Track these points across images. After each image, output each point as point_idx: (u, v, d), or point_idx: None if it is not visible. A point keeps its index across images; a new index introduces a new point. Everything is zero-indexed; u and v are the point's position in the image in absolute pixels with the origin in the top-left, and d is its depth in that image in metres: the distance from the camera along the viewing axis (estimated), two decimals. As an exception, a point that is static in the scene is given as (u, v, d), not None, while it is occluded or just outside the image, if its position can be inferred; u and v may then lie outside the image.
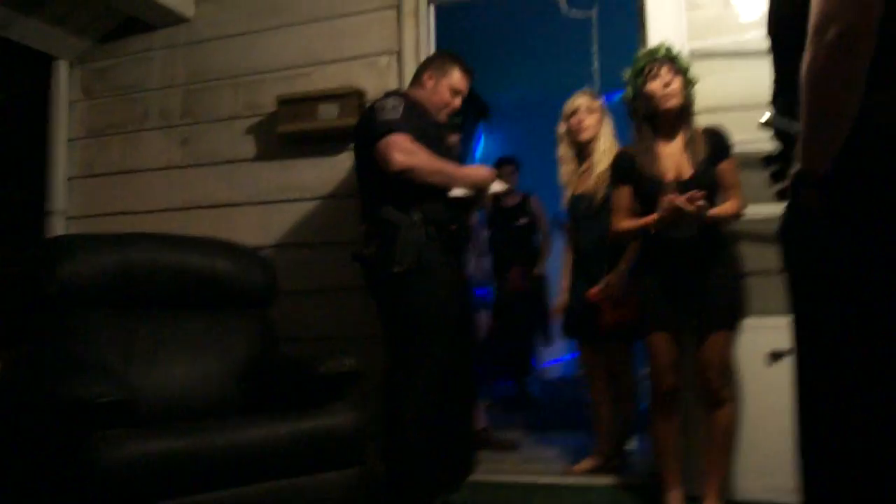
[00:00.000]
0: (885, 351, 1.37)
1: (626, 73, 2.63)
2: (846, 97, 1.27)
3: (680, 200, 2.32)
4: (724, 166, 2.49)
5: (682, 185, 2.43)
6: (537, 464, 3.37)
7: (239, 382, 2.63)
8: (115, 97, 3.74)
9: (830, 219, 1.36)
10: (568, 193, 3.22)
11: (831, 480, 1.45)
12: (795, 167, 1.37)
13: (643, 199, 2.52)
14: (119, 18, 3.65)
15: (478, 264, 4.33)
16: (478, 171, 2.68)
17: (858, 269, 1.37)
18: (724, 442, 2.47)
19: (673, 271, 2.47)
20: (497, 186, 2.72)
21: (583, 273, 3.15)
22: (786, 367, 2.56)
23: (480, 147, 7.45)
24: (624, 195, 2.58)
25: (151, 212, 3.54)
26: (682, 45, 2.82)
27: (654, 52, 2.57)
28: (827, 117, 1.29)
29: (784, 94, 1.51)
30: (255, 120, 3.48)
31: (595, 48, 3.32)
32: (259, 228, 3.38)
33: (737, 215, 2.48)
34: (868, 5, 1.23)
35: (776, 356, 2.54)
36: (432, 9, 3.31)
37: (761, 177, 1.58)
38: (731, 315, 2.47)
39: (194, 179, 3.55)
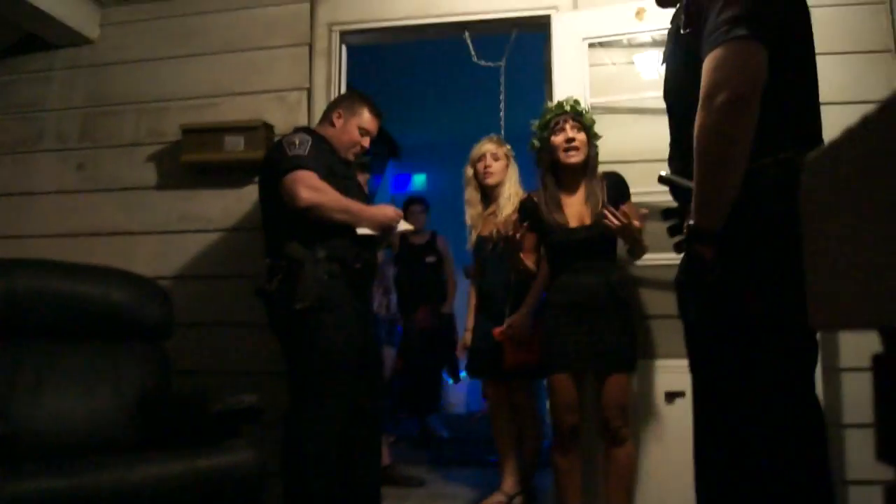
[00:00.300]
0: (773, 390, 1.47)
1: (534, 125, 2.74)
2: (734, 157, 1.37)
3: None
4: (624, 209, 2.61)
5: (585, 231, 2.55)
6: (443, 500, 3.37)
7: (131, 418, 2.52)
8: (9, 115, 3.56)
9: (722, 271, 1.45)
10: (474, 235, 3.29)
11: None
12: (689, 222, 1.46)
13: (548, 245, 2.63)
14: (19, 34, 3.50)
15: (384, 301, 4.33)
16: (384, 210, 2.69)
17: (747, 317, 1.46)
18: (623, 479, 2.55)
19: (574, 314, 2.55)
20: (402, 226, 2.75)
21: (487, 313, 3.21)
22: (684, 407, 2.72)
23: (390, 186, 7.49)
24: (528, 239, 2.66)
25: (43, 237, 3.37)
26: (584, 100, 2.96)
27: (561, 106, 2.68)
28: (717, 175, 1.39)
29: (679, 155, 1.62)
30: (158, 148, 3.39)
31: (502, 96, 3.43)
32: (158, 259, 3.28)
33: (643, 249, 2.56)
34: (753, 75, 1.35)
35: (671, 396, 2.67)
36: (344, 48, 3.34)
37: (660, 226, 1.67)
38: (628, 357, 2.56)
39: (90, 206, 3.41)
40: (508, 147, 3.31)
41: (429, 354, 4.91)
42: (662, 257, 2.73)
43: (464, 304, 3.71)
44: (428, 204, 4.99)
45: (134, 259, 3.18)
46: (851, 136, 0.49)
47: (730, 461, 1.50)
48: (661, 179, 1.62)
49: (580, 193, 2.65)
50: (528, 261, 2.66)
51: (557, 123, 2.63)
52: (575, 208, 2.63)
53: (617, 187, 2.65)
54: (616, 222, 2.37)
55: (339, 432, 2.48)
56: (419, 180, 7.64)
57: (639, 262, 2.73)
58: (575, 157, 2.60)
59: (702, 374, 1.59)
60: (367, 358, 2.70)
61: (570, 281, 2.56)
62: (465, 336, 3.43)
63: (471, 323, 3.37)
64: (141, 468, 2.05)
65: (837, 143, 0.52)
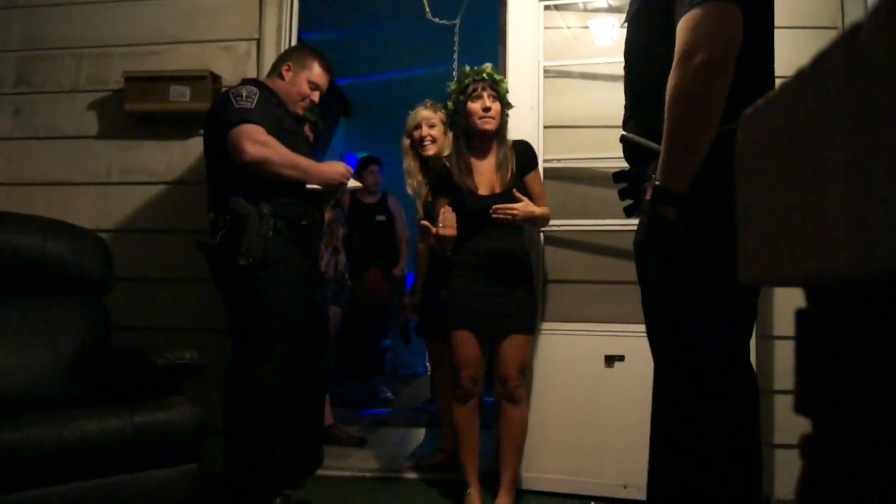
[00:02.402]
0: (720, 353, 1.50)
1: (450, 87, 2.76)
2: (706, 119, 1.38)
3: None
4: (532, 176, 2.72)
5: (494, 199, 2.61)
6: (384, 459, 3.39)
7: (68, 374, 2.46)
8: (-63, 56, 3.38)
9: (685, 232, 1.46)
10: (419, 204, 3.26)
11: (667, 473, 1.57)
12: (653, 183, 1.46)
13: (458, 209, 2.63)
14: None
15: (332, 261, 4.29)
16: (333, 167, 2.65)
17: (711, 278, 1.49)
18: (516, 438, 2.63)
19: (480, 276, 2.62)
20: (352, 184, 2.72)
21: (436, 274, 3.21)
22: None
23: (341, 142, 7.39)
24: (440, 205, 2.68)
25: (-25, 186, 3.23)
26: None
27: (479, 73, 2.70)
28: (689, 137, 1.40)
29: (637, 117, 1.62)
30: (99, 95, 3.26)
31: (456, 56, 3.39)
32: (98, 211, 3.18)
33: (546, 219, 2.72)
34: (731, 37, 1.35)
35: (611, 359, 2.73)
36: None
37: (604, 191, 1.68)
38: (530, 320, 2.66)
39: (27, 153, 3.27)
40: (444, 111, 3.27)
41: (377, 316, 4.90)
42: (613, 223, 2.78)
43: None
44: (382, 163, 4.94)
45: (72, 210, 3.08)
46: (785, 90, 0.49)
47: (675, 422, 1.54)
48: (623, 139, 1.61)
49: (491, 160, 2.71)
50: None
51: (475, 90, 2.66)
52: (486, 175, 2.69)
53: (526, 155, 2.72)
54: (507, 216, 2.54)
55: (282, 390, 2.47)
56: (372, 137, 7.51)
57: (596, 229, 2.79)
58: (490, 125, 2.65)
59: (659, 334, 1.62)
60: (311, 316, 2.69)
61: (478, 245, 2.64)
62: (414, 298, 3.43)
63: (419, 285, 3.38)
64: (77, 424, 2.01)
65: (771, 99, 0.52)
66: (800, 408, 0.49)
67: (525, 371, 2.66)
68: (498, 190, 2.65)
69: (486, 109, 2.63)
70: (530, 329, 2.66)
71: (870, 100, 0.37)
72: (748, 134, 0.55)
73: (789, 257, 0.48)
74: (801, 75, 0.45)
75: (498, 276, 2.61)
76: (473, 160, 2.71)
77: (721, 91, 1.36)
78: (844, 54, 0.40)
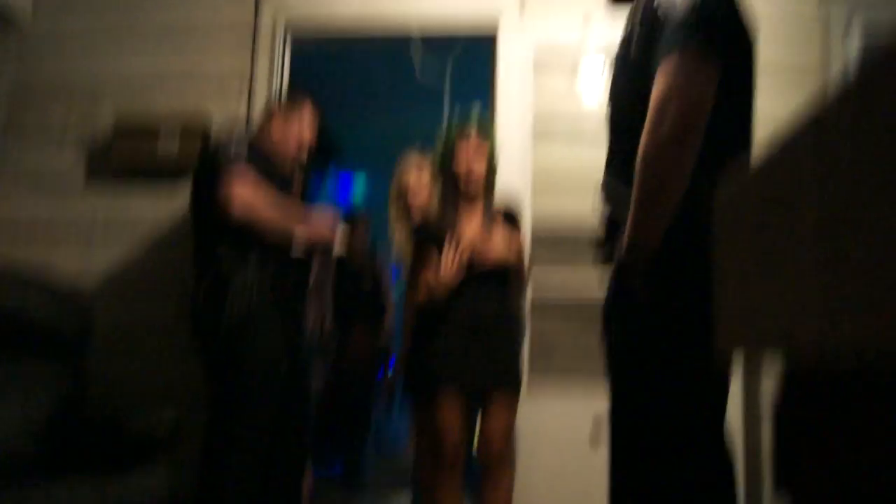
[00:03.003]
0: (695, 416, 1.46)
1: (438, 144, 2.74)
2: (676, 179, 1.38)
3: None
4: (516, 242, 2.66)
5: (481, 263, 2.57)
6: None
7: (39, 439, 2.38)
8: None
9: (651, 293, 1.44)
10: (405, 265, 3.22)
11: None
12: (620, 253, 1.45)
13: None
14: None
15: (318, 321, 4.23)
16: (320, 228, 2.63)
17: (674, 342, 1.46)
18: (504, 502, 2.53)
19: (469, 334, 2.54)
20: (339, 248, 2.70)
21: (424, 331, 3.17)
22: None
23: (330, 188, 7.41)
24: (429, 255, 2.64)
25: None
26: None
27: (469, 125, 2.68)
28: (657, 196, 1.39)
29: (618, 160, 1.62)
30: (89, 140, 3.25)
31: (445, 112, 3.42)
32: (81, 257, 3.14)
33: (522, 283, 2.68)
34: (706, 87, 1.37)
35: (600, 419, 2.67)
36: (289, 38, 3.29)
37: (588, 253, 1.66)
38: (516, 378, 2.59)
39: (11, 196, 3.25)
40: (431, 167, 3.26)
41: (362, 381, 4.78)
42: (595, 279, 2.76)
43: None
44: (370, 220, 4.91)
45: (55, 255, 3.05)
46: (759, 168, 0.50)
47: (639, 492, 1.49)
48: (602, 186, 1.62)
49: (478, 214, 2.68)
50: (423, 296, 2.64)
51: (462, 141, 2.64)
52: (472, 229, 2.64)
53: (511, 221, 2.68)
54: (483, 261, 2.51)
55: (262, 455, 2.38)
56: (359, 181, 7.54)
57: (572, 286, 2.77)
58: (477, 176, 2.62)
59: (620, 398, 1.58)
60: (294, 377, 2.63)
61: (464, 301, 2.56)
62: (400, 358, 3.37)
63: (407, 341, 3.32)
64: (48, 493, 1.94)
65: (746, 178, 0.53)
66: (778, 485, 0.49)
67: (511, 434, 2.57)
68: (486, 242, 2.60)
69: (473, 161, 2.61)
70: (516, 388, 2.58)
71: (837, 188, 0.37)
72: (724, 209, 0.56)
73: (764, 329, 0.47)
74: (772, 159, 0.46)
75: (484, 333, 2.54)
76: (460, 219, 2.67)
77: (690, 152, 1.37)
78: (813, 143, 0.40)
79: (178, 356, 2.95)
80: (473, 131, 2.65)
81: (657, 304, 1.44)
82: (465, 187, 2.62)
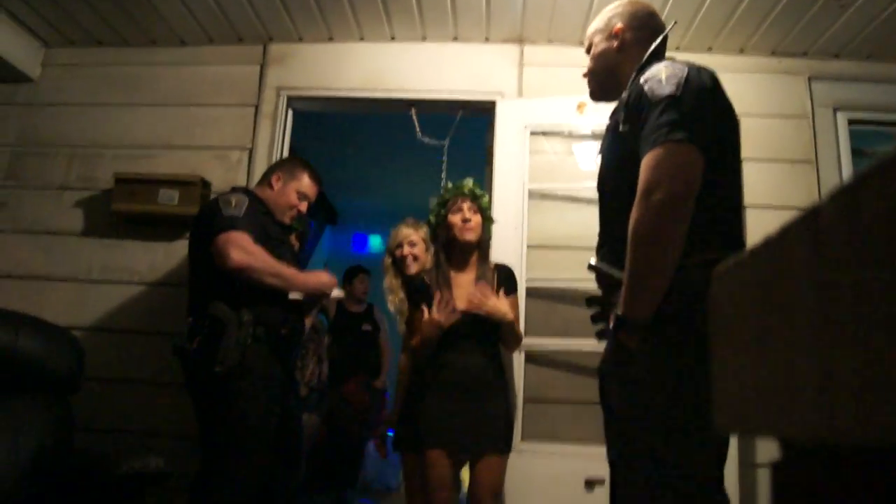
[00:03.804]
0: (687, 485, 1.47)
1: (433, 202, 2.82)
2: (666, 253, 1.42)
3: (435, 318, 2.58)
4: (510, 300, 2.69)
5: (472, 316, 2.59)
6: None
7: (27, 476, 2.35)
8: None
9: (647, 360, 1.47)
10: (401, 322, 3.24)
11: None
12: (617, 311, 1.48)
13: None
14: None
15: (317, 370, 4.23)
16: (317, 277, 2.67)
17: (669, 404, 1.48)
18: None
19: (456, 394, 2.56)
20: (335, 293, 2.73)
21: (417, 388, 3.17)
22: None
23: (325, 251, 7.44)
24: (419, 315, 2.69)
25: (-48, 275, 3.20)
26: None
27: (460, 187, 2.76)
28: (648, 270, 1.43)
29: (608, 245, 1.67)
30: (87, 194, 3.31)
31: (444, 174, 3.48)
32: (75, 307, 3.15)
33: (516, 338, 2.68)
34: (689, 178, 1.41)
35: (592, 483, 2.67)
36: (290, 112, 3.37)
37: (586, 312, 1.70)
38: (505, 440, 2.59)
39: (8, 246, 3.27)
40: (426, 229, 3.32)
41: (354, 427, 4.77)
42: (594, 344, 2.78)
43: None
44: (370, 273, 4.95)
45: (49, 305, 3.06)
46: (755, 252, 0.51)
47: None
48: (591, 267, 1.65)
49: (470, 274, 2.72)
50: (416, 340, 2.68)
51: (455, 203, 2.72)
52: (464, 289, 2.68)
53: (507, 279, 2.72)
54: (480, 308, 2.54)
55: (252, 499, 2.37)
56: (376, 242, 7.60)
57: (565, 348, 2.77)
58: (469, 235, 2.68)
59: (618, 462, 1.60)
60: (285, 427, 2.62)
61: (454, 360, 2.59)
62: (393, 410, 3.35)
63: (400, 397, 3.31)
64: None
65: (742, 260, 0.54)
66: None
67: (499, 494, 2.58)
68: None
69: (466, 220, 2.67)
70: (505, 449, 2.58)
71: (832, 279, 0.40)
72: (720, 288, 0.57)
73: (763, 410, 0.49)
74: (769, 243, 0.48)
75: (473, 393, 2.55)
76: (453, 273, 2.72)
77: (679, 227, 1.41)
78: (808, 232, 0.42)
79: (166, 403, 2.95)
80: (467, 195, 2.72)
81: (653, 364, 1.47)
82: (459, 235, 2.67)
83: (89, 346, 2.87)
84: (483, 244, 2.76)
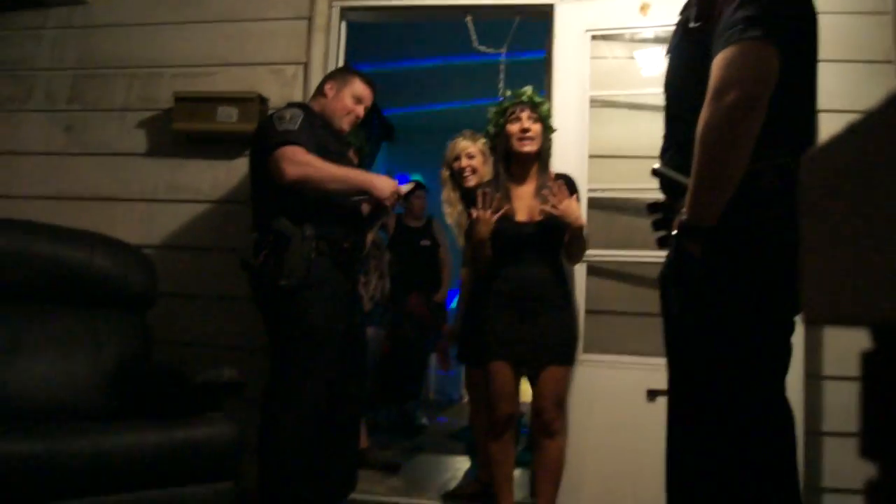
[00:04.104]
0: (747, 390, 1.47)
1: (491, 112, 2.74)
2: (736, 157, 1.36)
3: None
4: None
5: (533, 226, 2.56)
6: (418, 486, 3.37)
7: (109, 386, 2.50)
8: (-2, 72, 3.49)
9: (710, 267, 1.45)
10: (459, 234, 3.26)
11: None
12: (681, 217, 1.45)
13: (494, 235, 2.60)
14: (12, -10, 3.43)
15: (380, 285, 4.31)
16: (381, 178, 2.66)
17: (730, 314, 1.46)
18: (552, 472, 2.56)
19: (517, 305, 2.56)
20: (405, 187, 2.72)
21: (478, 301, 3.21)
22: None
23: (383, 167, 7.45)
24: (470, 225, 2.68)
25: (27, 198, 3.31)
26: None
27: (520, 95, 2.67)
28: (716, 174, 1.39)
29: (672, 150, 1.61)
30: (149, 114, 3.34)
31: (501, 84, 3.40)
32: (143, 227, 3.24)
33: (582, 248, 2.60)
34: (764, 77, 1.34)
35: (654, 394, 2.68)
36: (344, 24, 3.30)
37: (648, 222, 1.67)
38: (568, 351, 2.58)
39: (76, 169, 3.35)
40: (483, 141, 3.27)
41: (417, 341, 4.89)
42: (656, 254, 2.74)
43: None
44: (428, 188, 4.96)
45: (119, 226, 3.14)
46: (852, 130, 0.48)
47: (698, 460, 1.51)
48: (655, 172, 1.61)
49: (530, 185, 2.66)
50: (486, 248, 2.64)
51: (514, 112, 2.63)
52: (525, 201, 2.63)
53: (567, 187, 2.63)
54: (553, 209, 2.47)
55: (318, 412, 2.47)
56: (415, 162, 7.57)
57: (639, 260, 2.73)
58: (529, 146, 2.61)
59: (679, 371, 1.59)
60: (350, 339, 2.69)
61: (516, 272, 2.58)
62: (455, 324, 3.40)
63: (461, 311, 3.36)
64: (116, 436, 2.04)
65: (838, 138, 0.51)
66: (865, 451, 0.48)
67: (562, 404, 2.60)
68: (537, 217, 2.59)
69: (525, 130, 2.60)
70: (568, 360, 2.58)
71: None
72: (811, 172, 0.54)
73: (855, 297, 0.47)
74: (872, 116, 0.44)
75: (535, 305, 2.54)
76: (512, 186, 2.66)
77: (751, 130, 1.35)
78: None
79: (236, 316, 3.05)
80: (526, 103, 2.64)
81: (715, 270, 1.45)
82: (518, 147, 2.61)
83: (160, 263, 2.97)
84: (543, 154, 2.68)
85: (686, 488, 1.54)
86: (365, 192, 2.56)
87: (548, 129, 2.69)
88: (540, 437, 2.57)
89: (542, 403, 2.54)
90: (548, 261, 2.60)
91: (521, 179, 2.67)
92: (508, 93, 2.75)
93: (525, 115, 2.62)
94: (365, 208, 2.69)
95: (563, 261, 2.69)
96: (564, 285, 2.64)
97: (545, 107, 2.71)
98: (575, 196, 2.60)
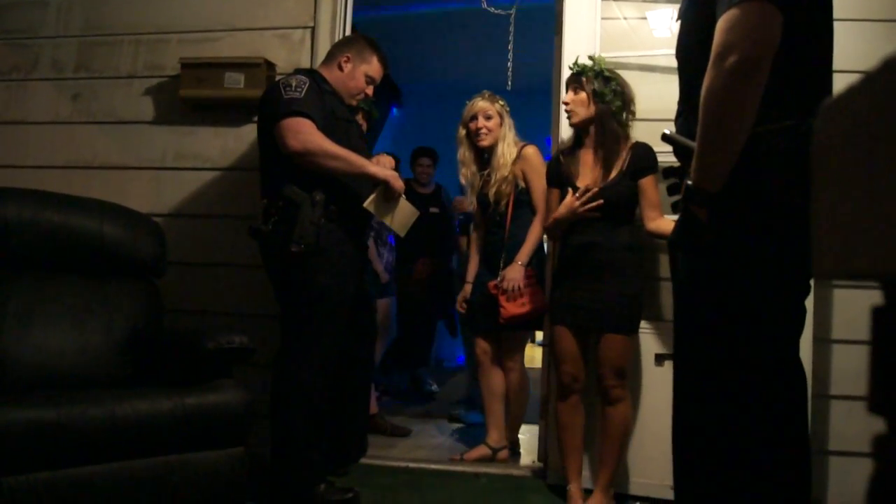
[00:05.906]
0: (756, 355, 1.46)
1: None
2: (739, 120, 1.34)
3: (570, 201, 2.54)
4: (645, 181, 2.59)
5: (599, 193, 2.54)
6: (428, 451, 3.40)
7: (121, 354, 2.52)
8: (3, 40, 3.45)
9: (716, 232, 1.44)
10: (471, 194, 3.26)
11: (701, 478, 1.53)
12: (688, 181, 1.44)
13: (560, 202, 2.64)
14: (15, -43, 3.39)
15: (389, 257, 4.33)
16: (381, 163, 2.66)
17: (739, 278, 1.45)
18: (615, 438, 2.56)
19: (583, 271, 2.57)
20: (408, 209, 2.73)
21: (487, 268, 3.21)
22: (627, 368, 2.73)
23: (390, 131, 7.41)
24: (552, 197, 2.72)
25: (35, 167, 3.31)
26: (595, 53, 2.90)
27: (578, 66, 2.66)
28: (719, 137, 1.37)
29: (685, 115, 1.59)
30: (156, 81, 3.32)
31: (511, 45, 3.36)
32: (152, 195, 3.24)
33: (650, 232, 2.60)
34: (766, 40, 1.31)
35: (661, 357, 2.68)
36: (351, -12, 3.25)
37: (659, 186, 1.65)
38: (628, 320, 2.56)
39: (84, 137, 3.34)
40: (502, 103, 3.23)
41: (425, 307, 4.90)
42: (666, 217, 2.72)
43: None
44: (437, 156, 4.93)
45: (128, 194, 3.14)
46: (868, 80, 0.47)
47: (706, 424, 1.51)
48: (664, 137, 1.59)
49: (591, 154, 2.66)
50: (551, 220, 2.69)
51: (570, 84, 2.68)
52: (587, 168, 2.65)
53: (641, 158, 2.60)
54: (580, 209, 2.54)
55: (329, 377, 2.49)
56: (423, 126, 7.51)
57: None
58: (574, 118, 2.65)
59: (686, 335, 1.59)
60: (359, 304, 2.70)
61: (583, 239, 2.59)
62: (465, 288, 3.41)
63: (471, 276, 3.36)
64: (129, 403, 2.06)
65: (854, 87, 0.49)
66: (874, 407, 0.48)
67: (622, 372, 2.57)
68: (598, 185, 2.57)
69: (567, 103, 2.65)
70: (626, 329, 2.56)
71: None
72: (825, 126, 0.53)
73: (869, 251, 0.46)
74: (890, 65, 0.43)
75: (597, 272, 2.55)
76: (581, 152, 2.69)
77: (753, 92, 1.33)
78: None
79: (246, 283, 3.06)
80: (581, 75, 2.64)
81: (722, 234, 1.44)
82: (569, 119, 2.67)
83: (169, 231, 2.98)
84: (604, 120, 2.61)
85: (694, 451, 1.54)
86: (370, 180, 2.56)
87: (599, 97, 2.60)
88: (603, 405, 2.59)
89: (601, 371, 2.56)
90: (616, 227, 2.58)
91: (587, 146, 2.68)
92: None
93: (571, 87, 2.66)
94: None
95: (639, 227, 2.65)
96: (630, 254, 2.60)
97: (592, 71, 2.64)
98: (630, 178, 2.58)
